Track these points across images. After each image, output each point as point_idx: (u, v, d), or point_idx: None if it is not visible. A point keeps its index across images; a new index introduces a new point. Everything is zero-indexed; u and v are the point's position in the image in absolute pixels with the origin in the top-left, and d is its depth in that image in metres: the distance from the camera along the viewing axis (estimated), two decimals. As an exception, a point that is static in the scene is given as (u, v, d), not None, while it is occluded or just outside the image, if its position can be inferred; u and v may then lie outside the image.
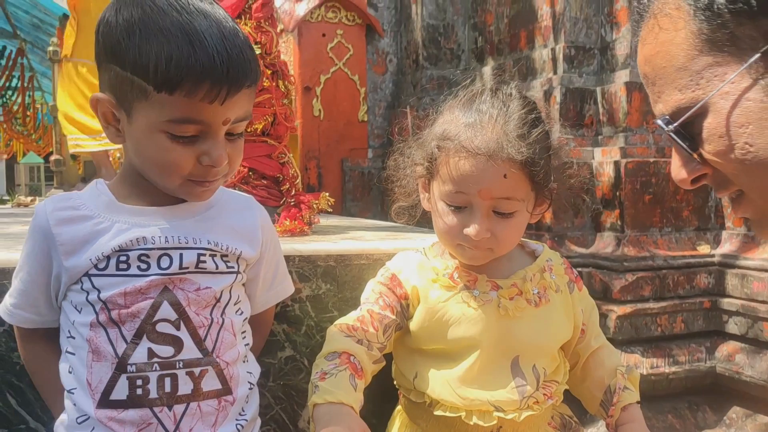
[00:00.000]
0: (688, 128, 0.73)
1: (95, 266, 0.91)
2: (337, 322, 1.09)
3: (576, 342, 1.14)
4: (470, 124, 1.01)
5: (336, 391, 0.94)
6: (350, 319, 1.08)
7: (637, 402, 1.11)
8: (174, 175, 0.90)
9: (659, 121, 0.75)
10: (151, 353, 0.90)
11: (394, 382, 1.16)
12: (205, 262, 0.94)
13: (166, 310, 0.91)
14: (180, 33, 0.82)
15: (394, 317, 1.08)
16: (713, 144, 0.71)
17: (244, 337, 1.02)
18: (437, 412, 1.05)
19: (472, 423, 1.02)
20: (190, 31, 0.83)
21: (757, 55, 0.66)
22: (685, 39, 0.71)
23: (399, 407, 1.18)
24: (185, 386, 0.91)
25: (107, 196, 0.96)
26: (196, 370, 0.92)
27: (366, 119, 4.01)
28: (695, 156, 0.74)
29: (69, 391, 0.92)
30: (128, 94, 0.86)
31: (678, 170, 0.78)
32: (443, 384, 1.04)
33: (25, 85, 10.01)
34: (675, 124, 0.73)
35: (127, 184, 0.97)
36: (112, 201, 0.95)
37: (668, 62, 0.73)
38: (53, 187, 5.48)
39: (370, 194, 3.93)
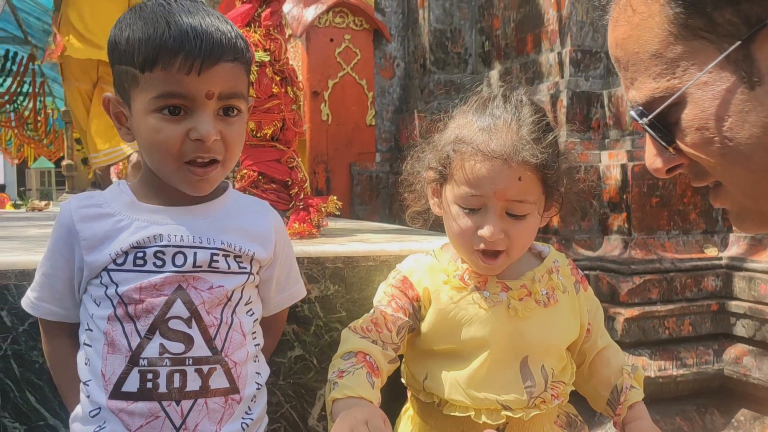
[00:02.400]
0: (664, 118, 0.68)
1: (114, 261, 0.94)
2: (350, 324, 1.11)
3: (582, 341, 1.16)
4: (485, 128, 1.03)
5: (355, 387, 0.97)
6: (364, 321, 1.10)
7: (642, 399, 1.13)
8: (167, 155, 0.92)
9: (632, 113, 0.70)
10: (163, 349, 0.93)
11: (402, 380, 1.18)
12: (217, 261, 0.97)
13: (179, 308, 0.94)
14: (159, 18, 0.90)
15: (406, 319, 1.09)
16: (691, 136, 0.67)
17: (255, 337, 1.04)
18: (447, 412, 1.07)
19: (481, 422, 1.04)
20: (168, 16, 0.90)
21: (738, 43, 0.61)
22: (660, 24, 0.66)
23: (407, 405, 1.20)
24: (194, 383, 0.93)
25: (128, 195, 0.99)
26: (205, 368, 0.95)
27: (374, 123, 4.03)
28: (671, 150, 0.70)
29: (84, 383, 0.96)
30: (125, 84, 0.93)
31: (652, 159, 0.74)
32: (453, 384, 1.06)
33: (37, 90, 10.11)
34: (650, 117, 0.68)
35: (146, 185, 1.01)
36: (133, 200, 0.99)
37: (641, 48, 0.68)
38: (65, 192, 5.54)
39: (378, 198, 3.95)
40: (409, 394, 1.19)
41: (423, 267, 1.13)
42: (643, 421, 1.10)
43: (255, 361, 1.03)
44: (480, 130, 1.04)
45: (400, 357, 1.14)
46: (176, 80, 0.89)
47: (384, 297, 1.12)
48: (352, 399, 0.95)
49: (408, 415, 1.19)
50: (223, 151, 0.95)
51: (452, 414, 1.06)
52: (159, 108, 0.91)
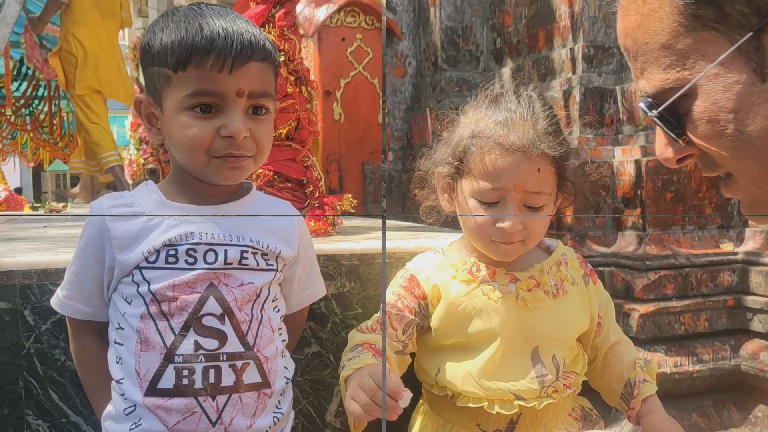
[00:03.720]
0: (674, 109, 0.67)
1: (146, 259, 0.96)
2: (358, 326, 1.15)
3: (594, 336, 1.17)
4: (501, 122, 1.05)
5: (361, 361, 1.01)
6: (370, 321, 1.14)
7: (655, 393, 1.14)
8: (198, 151, 0.94)
9: (642, 105, 0.70)
10: (197, 345, 0.94)
11: (417, 377, 1.20)
12: (247, 258, 0.99)
13: (212, 305, 0.96)
14: (192, 21, 0.93)
15: (412, 317, 1.12)
16: (701, 128, 0.66)
17: (281, 333, 1.06)
18: (460, 404, 1.08)
19: (494, 412, 1.06)
20: (200, 19, 0.93)
21: (749, 34, 0.60)
22: (670, 14, 0.64)
23: (422, 400, 1.21)
24: (228, 378, 0.95)
25: (158, 194, 1.01)
26: (239, 363, 0.96)
27: (386, 122, 4.05)
28: (681, 142, 0.69)
29: (118, 381, 0.97)
30: (157, 85, 0.95)
31: (663, 149, 0.73)
32: (465, 376, 1.08)
33: (52, 94, 10.21)
34: (659, 109, 0.68)
35: (175, 184, 1.03)
36: (162, 199, 1.00)
37: (651, 38, 0.67)
38: (80, 194, 5.59)
39: (390, 196, 3.96)
40: (423, 389, 1.20)
41: (431, 264, 1.15)
42: (658, 414, 1.11)
43: (282, 356, 1.05)
44: (497, 124, 1.05)
45: (412, 355, 1.16)
46: (208, 78, 0.92)
47: (391, 296, 1.15)
48: (360, 368, 1.00)
49: (422, 410, 1.20)
50: (253, 148, 0.97)
51: (465, 406, 1.07)
52: (191, 106, 0.93)
